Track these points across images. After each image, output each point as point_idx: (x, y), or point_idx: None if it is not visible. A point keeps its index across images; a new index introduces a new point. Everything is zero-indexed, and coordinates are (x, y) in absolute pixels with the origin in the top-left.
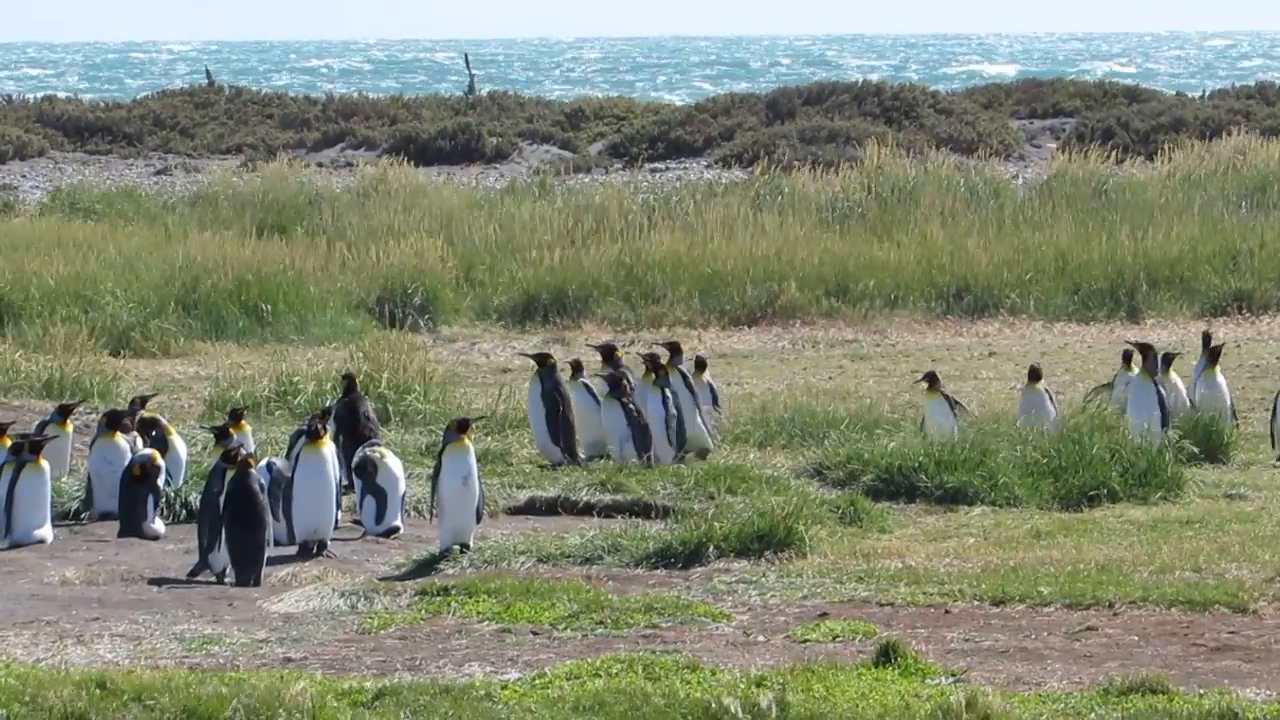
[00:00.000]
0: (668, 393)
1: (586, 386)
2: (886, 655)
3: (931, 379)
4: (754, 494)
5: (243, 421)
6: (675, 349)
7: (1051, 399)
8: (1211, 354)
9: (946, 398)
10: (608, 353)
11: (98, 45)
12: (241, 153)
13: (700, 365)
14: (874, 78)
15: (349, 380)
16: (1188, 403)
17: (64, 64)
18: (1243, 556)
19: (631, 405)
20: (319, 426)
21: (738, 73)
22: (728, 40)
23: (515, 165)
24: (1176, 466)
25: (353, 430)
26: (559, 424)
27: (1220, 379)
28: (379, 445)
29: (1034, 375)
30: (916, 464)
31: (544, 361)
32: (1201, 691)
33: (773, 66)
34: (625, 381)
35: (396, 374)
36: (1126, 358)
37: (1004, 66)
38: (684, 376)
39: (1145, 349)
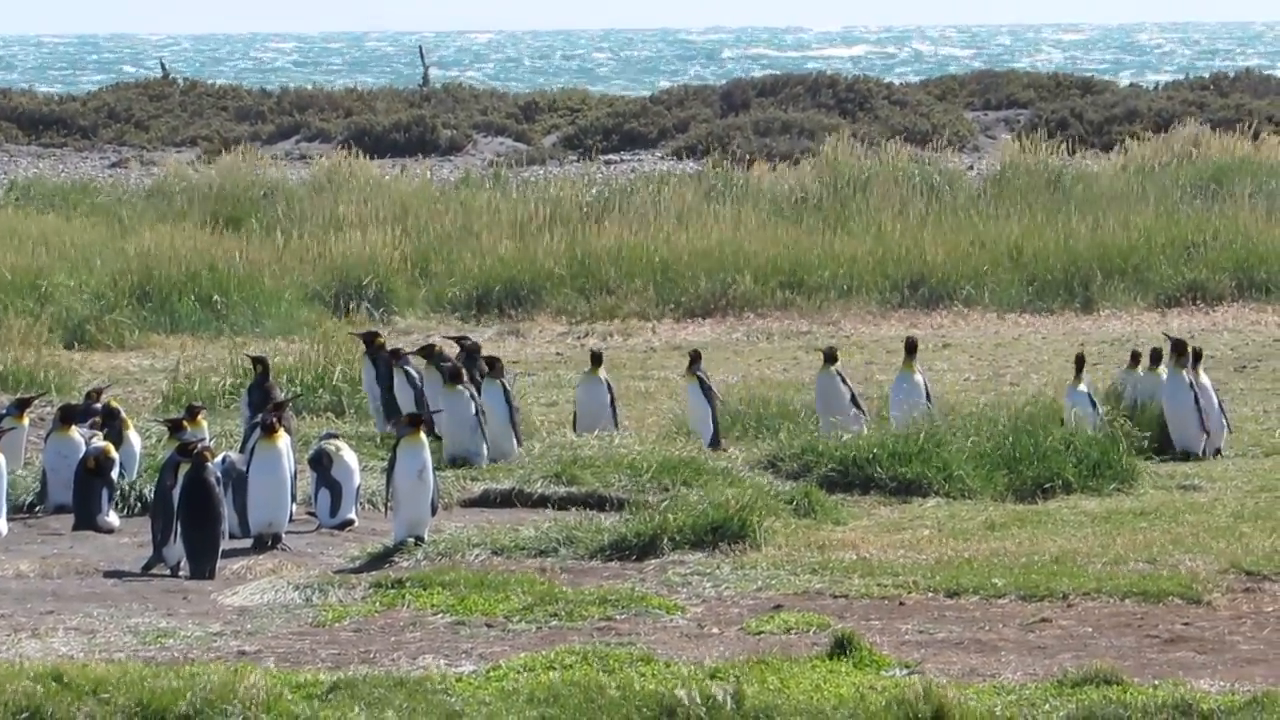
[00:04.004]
0: (506, 384)
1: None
2: (841, 647)
3: (693, 358)
4: (708, 486)
5: (199, 418)
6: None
7: (845, 381)
8: (1194, 355)
9: (702, 382)
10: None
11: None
12: (196, 145)
13: (493, 366)
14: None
15: (262, 364)
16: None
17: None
18: (1196, 547)
19: (475, 395)
20: (274, 420)
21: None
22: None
23: (470, 157)
24: (1130, 458)
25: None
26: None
27: (1204, 379)
28: (335, 438)
29: (829, 358)
30: (871, 456)
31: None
32: (1155, 683)
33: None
34: (464, 371)
35: (351, 366)
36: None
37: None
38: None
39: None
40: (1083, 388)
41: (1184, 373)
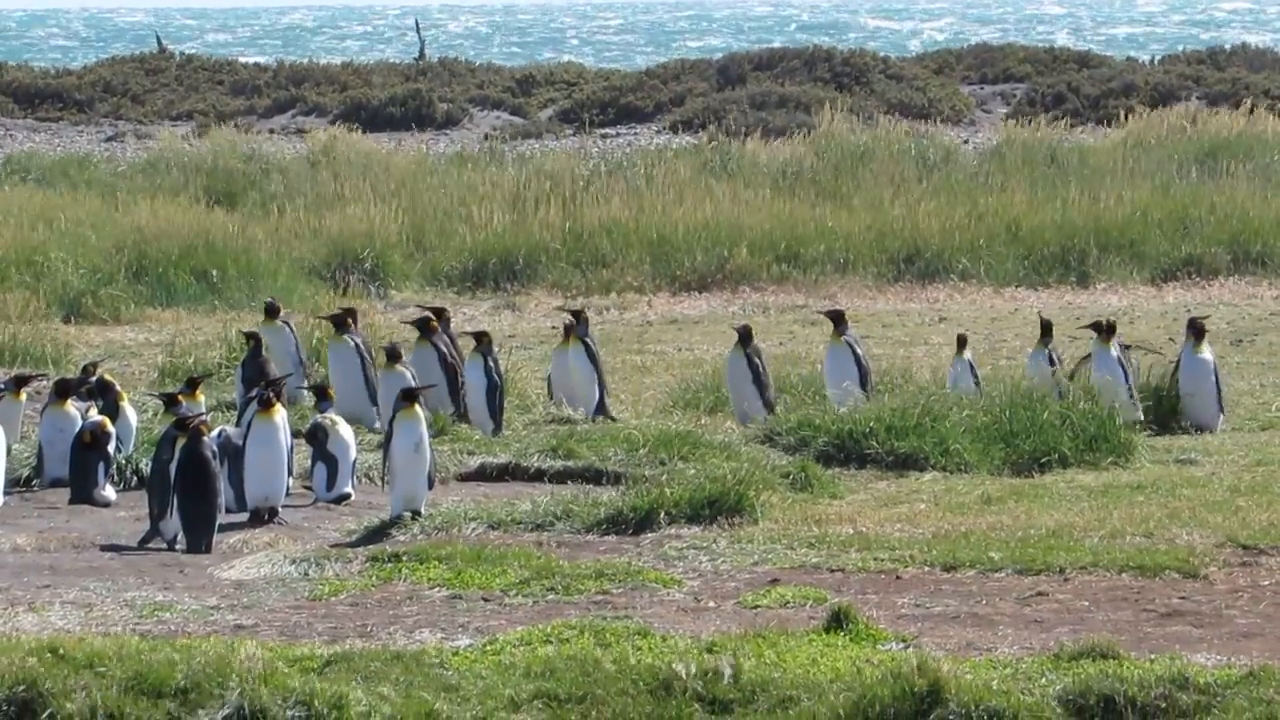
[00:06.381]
0: (490, 362)
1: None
2: (837, 621)
3: (576, 318)
4: (705, 460)
5: (198, 391)
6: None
7: (763, 367)
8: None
9: (588, 346)
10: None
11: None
12: (192, 119)
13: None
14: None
15: (255, 340)
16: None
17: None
18: (1193, 521)
19: (411, 374)
20: (270, 394)
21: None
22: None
23: (466, 131)
24: (1127, 431)
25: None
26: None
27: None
28: (330, 412)
29: (744, 338)
30: (868, 429)
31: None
32: (1152, 656)
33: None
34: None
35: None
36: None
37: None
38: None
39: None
40: (966, 355)
41: (1046, 350)
